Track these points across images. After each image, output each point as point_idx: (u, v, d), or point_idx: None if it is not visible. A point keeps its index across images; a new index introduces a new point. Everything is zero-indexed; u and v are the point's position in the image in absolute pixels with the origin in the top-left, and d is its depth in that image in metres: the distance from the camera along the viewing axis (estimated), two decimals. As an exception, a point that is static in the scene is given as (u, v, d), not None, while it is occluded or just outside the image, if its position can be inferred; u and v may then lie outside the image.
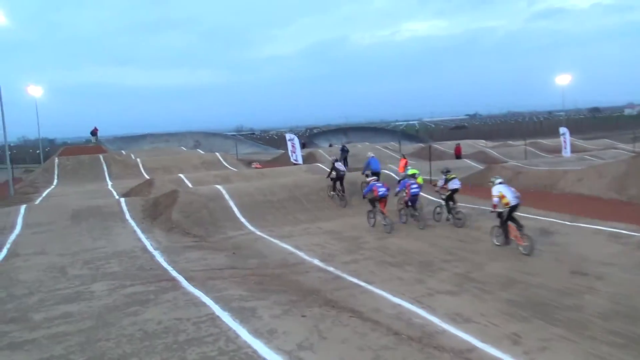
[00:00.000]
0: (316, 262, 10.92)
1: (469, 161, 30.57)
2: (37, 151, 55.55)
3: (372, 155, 18.12)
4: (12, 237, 13.69)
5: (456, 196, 13.59)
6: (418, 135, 72.85)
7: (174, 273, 9.77)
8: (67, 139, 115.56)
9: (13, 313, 7.96)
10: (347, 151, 32.89)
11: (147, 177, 29.40)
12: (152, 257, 11.31)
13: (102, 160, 33.60)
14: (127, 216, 15.76)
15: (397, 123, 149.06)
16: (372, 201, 13.68)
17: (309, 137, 70.31)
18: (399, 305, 8.09)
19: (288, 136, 33.28)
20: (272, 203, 16.54)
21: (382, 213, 13.44)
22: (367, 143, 53.73)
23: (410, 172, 14.58)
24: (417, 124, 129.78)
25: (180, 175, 24.85)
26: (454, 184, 13.50)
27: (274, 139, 75.52)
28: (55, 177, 31.14)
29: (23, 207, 16.75)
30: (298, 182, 18.35)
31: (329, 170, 18.18)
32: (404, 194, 13.69)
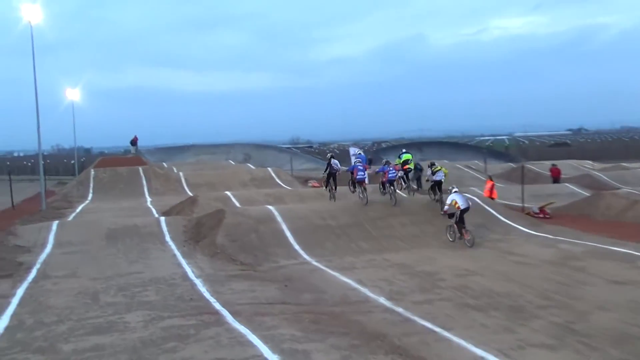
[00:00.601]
0: (382, 300, 10.81)
1: (571, 186, 29.70)
2: (72, 161, 59.09)
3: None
4: (43, 256, 14.61)
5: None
6: (508, 152, 70.59)
7: (217, 306, 10.02)
8: (105, 148, 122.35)
9: (41, 342, 8.42)
10: (421, 170, 32.42)
11: (190, 194, 30.51)
12: (193, 285, 11.67)
13: (141, 173, 35.34)
14: (167, 238, 16.36)
15: (482, 138, 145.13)
16: (352, 183, 19.45)
17: (376, 152, 70.14)
18: (482, 358, 7.92)
19: (352, 150, 33.11)
20: (332, 228, 16.63)
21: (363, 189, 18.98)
22: (445, 161, 52.73)
23: (404, 157, 20.10)
24: (506, 140, 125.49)
25: (227, 192, 25.59)
26: (438, 176, 18.52)
27: (335, 154, 76.14)
28: (90, 190, 33.02)
29: (55, 224, 17.83)
30: (363, 206, 18.40)
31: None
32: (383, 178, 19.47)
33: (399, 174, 19.72)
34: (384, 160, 21.94)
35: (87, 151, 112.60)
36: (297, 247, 15.34)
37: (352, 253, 15.04)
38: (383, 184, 19.74)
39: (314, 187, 30.84)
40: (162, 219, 18.53)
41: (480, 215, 18.30)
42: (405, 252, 15.08)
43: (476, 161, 47.49)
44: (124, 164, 38.04)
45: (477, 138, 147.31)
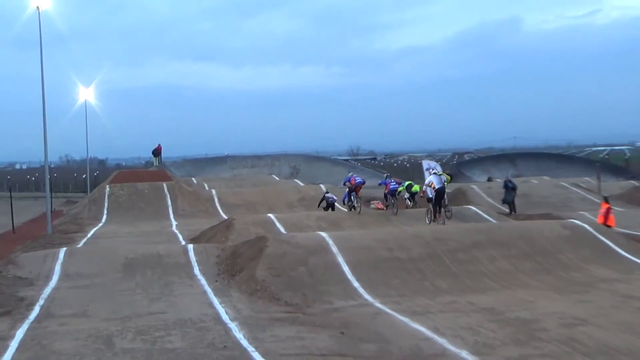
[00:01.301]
0: (464, 354, 10.59)
1: None
2: (84, 176, 61.27)
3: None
4: (47, 290, 15.07)
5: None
6: (629, 167, 67.91)
7: (257, 356, 10.08)
8: (122, 160, 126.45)
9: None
10: (515, 188, 31.85)
11: (225, 216, 31.13)
12: (228, 330, 11.77)
13: (165, 190, 36.41)
14: (196, 270, 16.67)
15: (595, 149, 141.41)
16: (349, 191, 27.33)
17: (457, 166, 69.58)
18: None
19: (426, 164, 33.01)
20: (401, 262, 16.52)
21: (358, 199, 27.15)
22: (546, 177, 51.48)
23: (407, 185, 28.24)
24: (627, 151, 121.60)
25: (270, 215, 25.98)
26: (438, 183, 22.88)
27: (404, 168, 75.98)
28: (105, 211, 34.16)
29: (62, 252, 18.41)
30: (440, 233, 18.33)
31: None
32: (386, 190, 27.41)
33: (405, 195, 27.56)
34: (385, 175, 30.70)
35: (102, 163, 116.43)
36: (356, 284, 15.26)
37: (426, 293, 14.85)
38: (386, 195, 27.19)
39: (378, 209, 30.82)
40: (190, 247, 18.87)
41: (592, 247, 17.87)
42: (495, 293, 14.78)
43: (587, 178, 46.46)
44: (145, 179, 39.29)
45: (588, 149, 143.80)
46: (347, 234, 19.08)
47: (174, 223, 30.97)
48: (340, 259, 16.39)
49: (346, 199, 27.70)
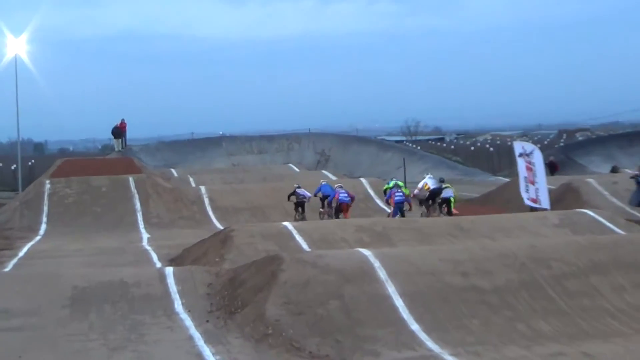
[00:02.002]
0: None
1: None
2: (13, 166, 61.50)
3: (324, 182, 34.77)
4: (-39, 335, 15.23)
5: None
6: None
7: None
8: (69, 142, 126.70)
9: None
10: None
11: (220, 225, 31.24)
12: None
13: (132, 187, 36.77)
14: (178, 305, 16.76)
15: None
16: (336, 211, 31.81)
17: (565, 150, 68.53)
18: None
19: (519, 147, 32.90)
20: (482, 293, 16.46)
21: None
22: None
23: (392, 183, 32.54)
24: None
25: (287, 224, 25.94)
26: (446, 193, 31.25)
27: (486, 152, 75.44)
28: (44, 218, 34.44)
29: (-18, 278, 18.68)
30: (541, 251, 18.30)
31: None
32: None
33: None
34: (392, 182, 33.12)
35: (39, 148, 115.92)
36: (415, 326, 15.25)
37: (519, 340, 14.79)
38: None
39: (450, 214, 30.73)
40: (169, 271, 18.94)
41: None
42: (623, 340, 14.67)
43: None
44: (103, 171, 39.65)
45: None
46: (401, 252, 19.06)
47: (145, 236, 31.18)
48: (391, 289, 16.38)
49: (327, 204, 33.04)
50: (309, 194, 32.80)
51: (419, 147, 76.36)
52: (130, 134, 55.30)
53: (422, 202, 32.46)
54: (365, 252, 18.31)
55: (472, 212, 31.83)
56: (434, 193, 31.26)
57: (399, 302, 15.95)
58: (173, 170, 50.93)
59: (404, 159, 51.37)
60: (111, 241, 29.48)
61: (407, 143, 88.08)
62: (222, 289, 17.35)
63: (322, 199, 32.87)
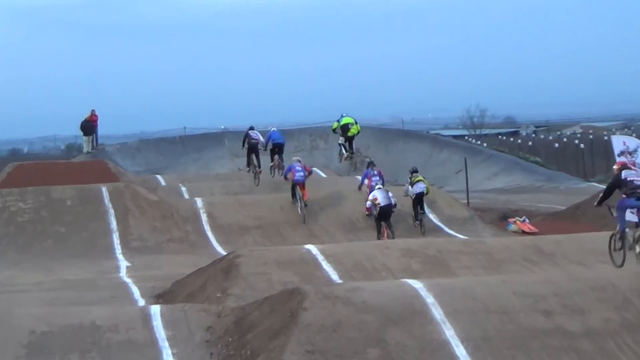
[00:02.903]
0: None
1: None
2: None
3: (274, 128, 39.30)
4: None
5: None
6: None
7: None
8: (24, 142, 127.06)
9: None
10: None
11: (222, 250, 31.27)
12: None
13: (106, 200, 36.76)
14: (167, 356, 16.82)
15: None
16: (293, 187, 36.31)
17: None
18: None
19: (618, 144, 32.80)
20: (570, 337, 16.41)
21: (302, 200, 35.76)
22: None
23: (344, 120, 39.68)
24: None
25: (310, 247, 25.86)
26: (418, 188, 35.31)
27: (573, 147, 74.88)
28: (-10, 241, 34.53)
29: None
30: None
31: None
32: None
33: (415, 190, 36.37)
34: (366, 161, 39.19)
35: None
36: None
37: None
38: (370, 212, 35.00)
39: (526, 232, 30.68)
40: (155, 310, 18.96)
41: None
42: None
43: None
44: (67, 178, 39.82)
45: None
46: (463, 284, 19.02)
47: (124, 264, 31.21)
48: (450, 333, 16.40)
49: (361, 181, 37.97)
50: (262, 139, 37.34)
51: (485, 144, 75.98)
52: (102, 129, 55.38)
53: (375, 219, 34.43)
54: (415, 283, 18.29)
55: (557, 229, 31.76)
56: (384, 213, 33.27)
57: (460, 351, 15.94)
58: (159, 177, 50.62)
59: (465, 160, 51.03)
60: (79, 271, 29.50)
61: (470, 139, 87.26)
62: (225, 335, 17.35)
63: (273, 150, 37.60)
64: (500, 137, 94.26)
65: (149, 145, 71.42)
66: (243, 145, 36.18)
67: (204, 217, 36.10)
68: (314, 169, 49.38)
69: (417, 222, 35.18)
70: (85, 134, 52.18)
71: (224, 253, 27.95)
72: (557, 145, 79.32)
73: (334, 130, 40.53)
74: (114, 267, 30.66)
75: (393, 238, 31.56)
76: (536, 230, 30.16)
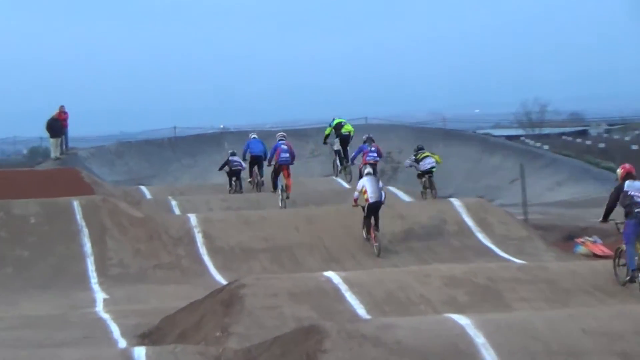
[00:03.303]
0: None
1: None
2: None
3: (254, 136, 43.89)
4: None
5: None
6: None
7: None
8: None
9: None
10: None
11: (221, 279, 31.31)
12: None
13: (78, 216, 36.68)
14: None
15: None
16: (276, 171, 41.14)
17: None
18: None
19: None
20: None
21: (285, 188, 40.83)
22: None
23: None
24: None
25: (330, 275, 25.84)
26: (427, 164, 41.20)
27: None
28: None
29: None
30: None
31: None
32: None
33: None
34: (364, 137, 43.30)
35: None
36: None
37: None
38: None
39: (597, 256, 30.76)
40: (140, 353, 19.01)
41: None
42: None
43: None
44: (31, 190, 39.86)
45: None
46: (520, 319, 19.07)
47: (100, 296, 31.15)
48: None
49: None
50: (244, 163, 40.98)
51: (546, 147, 75.81)
52: (74, 130, 55.54)
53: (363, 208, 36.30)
54: (461, 319, 18.30)
55: (636, 252, 31.70)
56: (373, 205, 35.35)
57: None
58: (144, 189, 50.60)
59: (521, 167, 50.99)
60: (45, 305, 29.49)
61: (527, 140, 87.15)
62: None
63: (252, 163, 41.51)
64: (564, 137, 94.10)
65: (131, 149, 71.57)
66: (220, 169, 39.99)
67: (199, 238, 35.85)
68: (334, 177, 49.61)
69: (424, 192, 41.51)
70: (52, 136, 52.20)
71: (224, 282, 27.86)
72: (635, 147, 79.16)
73: (327, 138, 44.67)
74: (89, 300, 30.57)
75: (379, 247, 34.51)
76: (610, 252, 29.97)
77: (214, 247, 35.22)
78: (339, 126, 43.91)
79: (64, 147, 52.78)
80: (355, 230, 35.96)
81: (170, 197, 45.91)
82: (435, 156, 42.04)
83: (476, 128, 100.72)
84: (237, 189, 40.03)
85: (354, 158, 42.45)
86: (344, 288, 24.41)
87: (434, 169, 41.23)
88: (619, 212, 25.15)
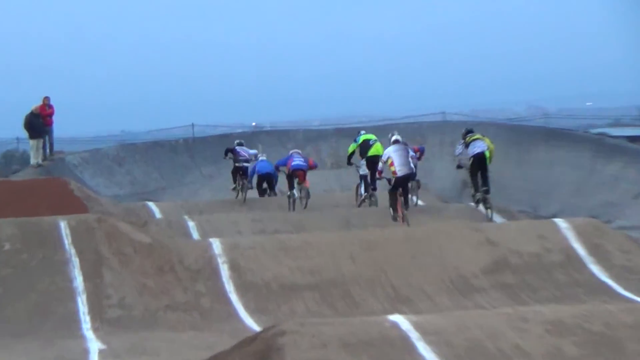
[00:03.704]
0: None
1: None
2: None
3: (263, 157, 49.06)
4: None
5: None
6: None
7: None
8: None
9: None
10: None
11: (252, 322, 31.24)
12: None
13: (65, 241, 36.48)
14: None
15: None
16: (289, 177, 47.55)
17: None
18: None
19: None
20: None
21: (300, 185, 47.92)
22: None
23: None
24: None
25: (395, 320, 25.76)
26: (477, 147, 43.57)
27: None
28: None
29: None
30: None
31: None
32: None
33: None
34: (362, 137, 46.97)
35: None
36: None
37: None
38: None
39: None
40: None
41: None
42: None
43: None
44: (5, 207, 39.99)
45: None
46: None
47: (94, 346, 30.95)
48: None
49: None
50: (253, 151, 45.09)
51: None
52: (60, 128, 55.64)
53: (388, 181, 42.15)
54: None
55: None
56: (402, 179, 40.75)
57: None
58: (152, 206, 50.70)
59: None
60: (24, 357, 29.42)
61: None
62: None
63: (260, 185, 47.74)
64: None
65: (136, 153, 71.58)
66: (225, 156, 43.53)
67: (224, 270, 35.50)
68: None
69: (480, 200, 42.67)
70: (32, 136, 52.38)
71: (257, 328, 27.82)
72: None
73: (351, 157, 47.06)
74: (79, 351, 30.37)
75: (407, 209, 40.01)
76: None
77: (243, 283, 34.77)
78: (366, 145, 45.44)
79: (47, 150, 52.87)
80: (426, 261, 35.59)
81: (186, 217, 45.83)
82: (487, 139, 44.11)
83: (588, 126, 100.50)
84: (243, 191, 43.21)
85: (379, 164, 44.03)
86: (415, 336, 24.29)
87: (487, 154, 42.76)
88: None
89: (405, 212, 39.17)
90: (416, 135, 70.18)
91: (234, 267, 35.41)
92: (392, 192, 40.05)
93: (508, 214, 44.52)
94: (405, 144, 42.50)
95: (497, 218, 42.28)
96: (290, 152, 44.62)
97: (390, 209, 40.69)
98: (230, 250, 36.67)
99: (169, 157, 69.81)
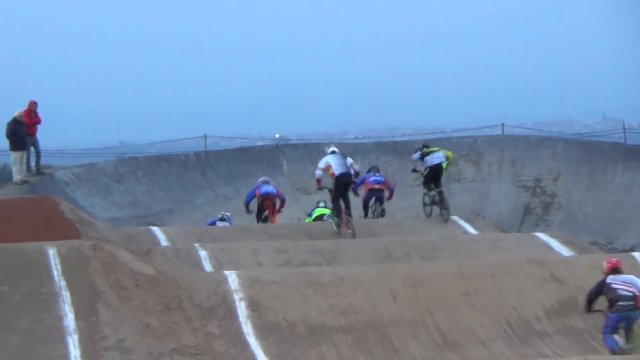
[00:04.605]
0: None
1: None
2: None
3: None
4: None
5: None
6: None
7: None
8: None
9: None
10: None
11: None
12: None
13: (54, 272, 36.35)
14: None
15: None
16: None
17: None
18: None
19: None
20: None
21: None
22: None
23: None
24: None
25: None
26: (437, 158, 51.06)
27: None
28: None
29: None
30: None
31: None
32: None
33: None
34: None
35: None
36: None
37: None
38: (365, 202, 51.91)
39: None
40: None
41: None
42: None
43: None
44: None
45: None
46: None
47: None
48: None
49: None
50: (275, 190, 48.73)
51: None
52: (47, 139, 55.69)
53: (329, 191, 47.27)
54: None
55: None
56: (341, 182, 45.66)
57: None
58: (157, 231, 50.58)
59: None
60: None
61: None
62: None
63: (261, 208, 50.95)
64: None
65: (138, 169, 71.64)
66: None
67: (241, 308, 35.45)
68: (454, 218, 49.95)
69: (435, 200, 48.09)
70: (15, 148, 52.26)
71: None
72: None
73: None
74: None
75: (349, 215, 44.18)
76: None
77: (264, 323, 34.63)
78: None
79: (32, 164, 52.83)
80: (480, 300, 35.55)
81: (197, 245, 45.63)
82: (448, 152, 50.05)
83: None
84: (343, 215, 44.63)
85: (355, 189, 49.06)
86: None
87: (444, 166, 47.39)
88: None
89: (349, 218, 42.98)
90: (470, 152, 69.94)
91: (253, 305, 35.23)
92: (335, 198, 43.97)
93: (577, 246, 44.32)
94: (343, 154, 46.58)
95: (564, 251, 42.12)
96: (259, 180, 48.94)
97: (333, 219, 44.59)
98: (249, 285, 36.48)
99: (176, 173, 69.87)
